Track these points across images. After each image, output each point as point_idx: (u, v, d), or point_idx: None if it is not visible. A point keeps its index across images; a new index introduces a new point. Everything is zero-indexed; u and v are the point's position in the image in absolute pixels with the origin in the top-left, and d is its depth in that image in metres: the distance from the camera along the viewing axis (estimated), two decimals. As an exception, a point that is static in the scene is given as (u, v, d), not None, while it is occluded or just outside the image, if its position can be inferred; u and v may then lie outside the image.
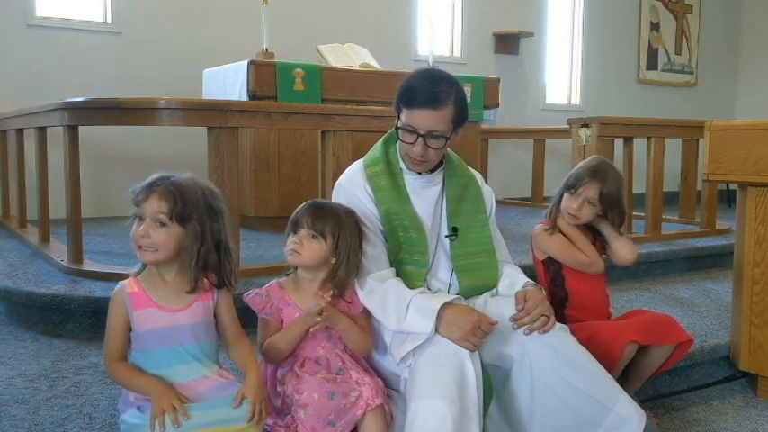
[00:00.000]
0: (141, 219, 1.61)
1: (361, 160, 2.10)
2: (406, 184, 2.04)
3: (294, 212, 1.88)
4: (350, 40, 5.00)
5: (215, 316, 1.72)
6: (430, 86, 1.90)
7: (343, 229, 1.85)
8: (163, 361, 1.62)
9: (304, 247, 1.82)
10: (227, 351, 1.75)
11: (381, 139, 2.10)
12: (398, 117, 1.97)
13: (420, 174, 2.05)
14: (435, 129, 1.91)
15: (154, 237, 1.59)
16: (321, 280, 1.87)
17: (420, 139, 1.92)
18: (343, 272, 1.86)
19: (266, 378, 1.87)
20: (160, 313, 1.63)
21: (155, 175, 1.64)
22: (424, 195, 2.05)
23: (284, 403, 1.78)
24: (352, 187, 2.02)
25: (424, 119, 1.90)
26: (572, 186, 2.25)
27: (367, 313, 1.91)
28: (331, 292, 1.82)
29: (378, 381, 1.82)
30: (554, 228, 2.29)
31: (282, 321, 1.85)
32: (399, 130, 1.96)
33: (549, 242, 2.28)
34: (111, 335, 1.64)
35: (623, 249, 2.27)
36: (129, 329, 1.64)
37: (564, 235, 2.28)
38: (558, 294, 2.27)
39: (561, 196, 2.30)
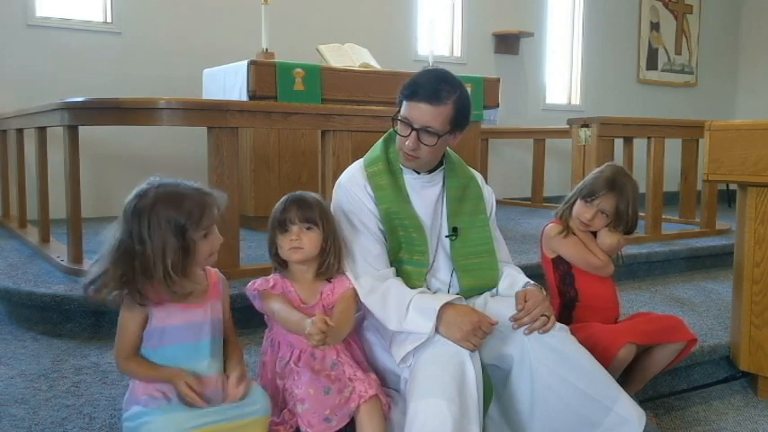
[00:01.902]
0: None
1: (361, 160, 2.10)
2: (406, 184, 2.04)
3: (274, 213, 1.89)
4: (350, 40, 5.00)
5: None
6: (434, 83, 1.92)
7: (326, 214, 1.90)
8: (175, 357, 1.64)
9: (303, 241, 1.84)
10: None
11: (381, 139, 2.11)
12: (399, 109, 1.98)
13: (418, 173, 2.05)
14: (430, 125, 1.92)
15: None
16: (314, 269, 1.90)
17: (414, 132, 1.93)
18: (332, 257, 1.89)
19: (267, 371, 1.88)
20: (181, 310, 1.66)
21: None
22: (424, 195, 2.05)
23: (283, 398, 1.79)
24: (353, 186, 2.02)
25: (421, 113, 1.91)
26: (588, 196, 2.24)
27: (353, 295, 1.91)
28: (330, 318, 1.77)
29: (371, 375, 1.83)
30: (567, 229, 2.28)
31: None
32: (396, 121, 1.97)
33: (563, 244, 2.27)
34: (128, 331, 1.66)
35: (604, 235, 2.26)
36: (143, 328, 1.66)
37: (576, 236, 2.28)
38: (568, 293, 2.27)
39: (574, 200, 2.29)
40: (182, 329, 1.65)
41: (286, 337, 1.85)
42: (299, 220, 1.85)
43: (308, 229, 1.85)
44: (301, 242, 1.84)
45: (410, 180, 2.05)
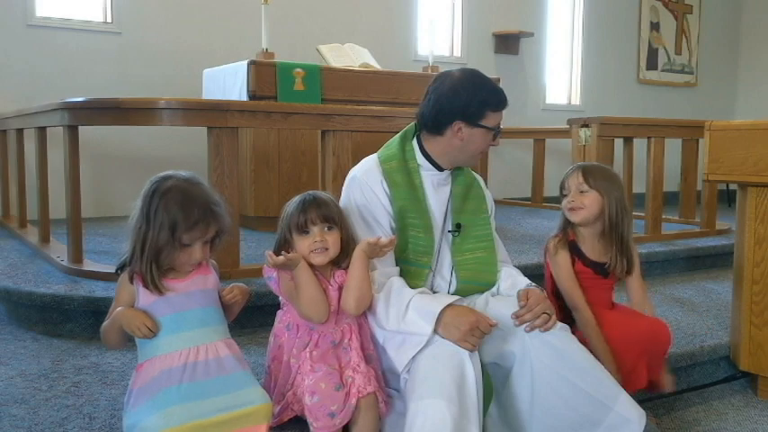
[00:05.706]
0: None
1: (375, 155, 2.09)
2: (424, 181, 2.05)
3: (290, 215, 1.85)
4: (350, 40, 5.01)
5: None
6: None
7: (341, 213, 1.89)
8: (167, 327, 1.67)
9: (328, 242, 1.83)
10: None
11: (398, 136, 2.10)
12: (475, 120, 1.98)
13: (441, 170, 2.06)
14: None
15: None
16: (324, 267, 1.88)
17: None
18: (348, 249, 1.87)
19: (283, 352, 1.87)
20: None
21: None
22: (440, 192, 2.07)
23: (293, 379, 1.80)
24: (370, 181, 2.01)
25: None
26: (561, 188, 2.26)
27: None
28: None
29: (372, 368, 1.83)
30: (562, 240, 2.23)
31: None
32: (492, 132, 2.01)
33: (553, 262, 2.23)
34: (115, 306, 1.73)
35: (636, 296, 2.30)
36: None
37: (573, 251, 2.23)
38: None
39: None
40: (161, 302, 1.69)
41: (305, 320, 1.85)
42: (320, 221, 1.82)
43: (330, 228, 1.84)
44: (326, 242, 1.82)
45: (430, 177, 2.06)
